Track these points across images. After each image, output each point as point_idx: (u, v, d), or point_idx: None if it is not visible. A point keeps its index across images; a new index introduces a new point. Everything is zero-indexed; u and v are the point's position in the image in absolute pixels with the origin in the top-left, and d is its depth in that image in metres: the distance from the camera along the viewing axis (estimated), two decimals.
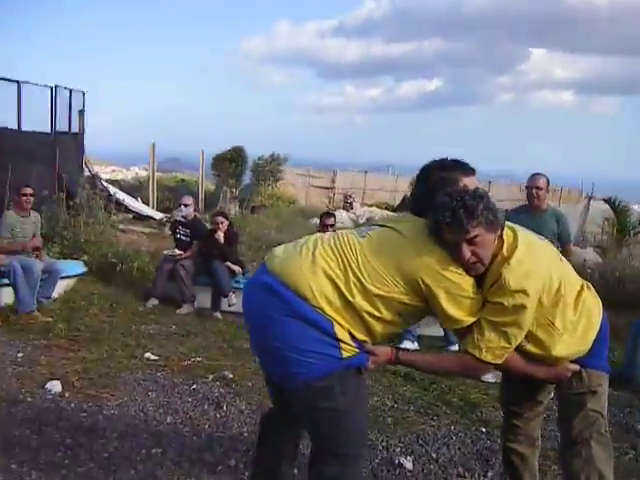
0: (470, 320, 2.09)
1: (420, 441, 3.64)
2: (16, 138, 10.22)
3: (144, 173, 21.81)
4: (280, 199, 18.84)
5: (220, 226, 6.63)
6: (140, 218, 12.99)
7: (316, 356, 2.05)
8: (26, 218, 6.05)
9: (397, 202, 20.56)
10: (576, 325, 2.23)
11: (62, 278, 6.34)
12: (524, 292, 2.03)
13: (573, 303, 2.23)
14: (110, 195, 11.77)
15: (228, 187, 16.26)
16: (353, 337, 2.09)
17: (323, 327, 2.05)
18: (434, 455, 3.48)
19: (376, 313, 2.08)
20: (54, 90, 11.33)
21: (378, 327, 2.12)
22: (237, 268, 6.72)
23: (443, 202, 2.05)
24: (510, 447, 2.65)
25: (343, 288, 2.06)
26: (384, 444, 3.55)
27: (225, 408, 3.96)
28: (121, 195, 13.27)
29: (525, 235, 2.20)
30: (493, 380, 4.29)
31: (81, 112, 12.65)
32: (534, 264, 2.10)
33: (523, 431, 2.61)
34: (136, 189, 16.29)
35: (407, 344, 5.41)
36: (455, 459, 3.46)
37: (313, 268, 2.08)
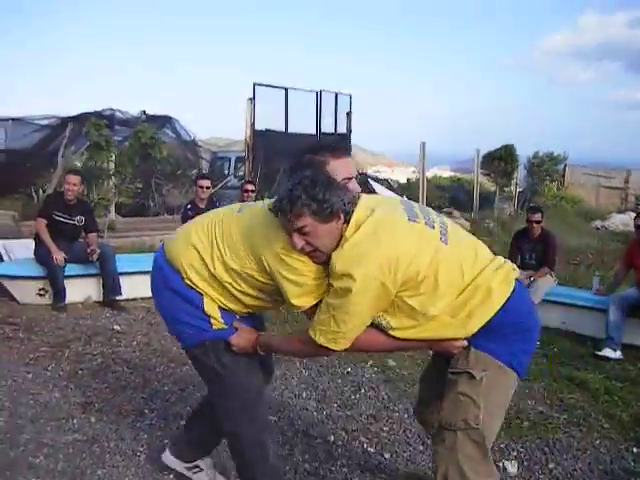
0: (309, 304, 2.03)
1: (545, 449, 3.24)
2: (283, 139, 11.35)
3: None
4: (564, 199, 17.71)
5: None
6: None
7: (188, 327, 2.21)
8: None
9: None
10: (457, 310, 1.99)
11: None
12: (349, 276, 1.88)
13: (454, 288, 1.98)
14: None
15: (498, 186, 15.78)
16: (224, 309, 2.19)
17: (193, 301, 2.17)
18: (551, 465, 3.08)
19: (236, 286, 2.12)
20: (319, 94, 12.29)
21: (245, 299, 2.16)
22: None
23: (283, 190, 1.97)
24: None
25: (207, 260, 2.13)
26: (501, 445, 3.23)
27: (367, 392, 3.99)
28: (388, 193, 13.77)
29: (383, 219, 1.98)
30: None
31: (348, 114, 13.51)
32: (372, 248, 1.91)
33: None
34: (404, 189, 16.70)
35: (608, 352, 4.83)
36: (575, 473, 3.01)
37: (185, 243, 2.19)
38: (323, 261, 1.99)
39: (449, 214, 12.71)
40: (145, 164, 10.35)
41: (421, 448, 3.25)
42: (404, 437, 3.37)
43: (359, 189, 2.17)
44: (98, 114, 9.35)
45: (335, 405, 3.78)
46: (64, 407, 3.54)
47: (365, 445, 3.27)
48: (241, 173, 11.84)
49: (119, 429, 3.30)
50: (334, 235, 1.97)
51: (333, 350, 2.03)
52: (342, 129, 13.29)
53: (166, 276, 2.23)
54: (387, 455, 3.18)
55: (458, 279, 1.99)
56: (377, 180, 15.76)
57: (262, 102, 11.09)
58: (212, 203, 6.51)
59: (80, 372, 4.12)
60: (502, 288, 2.03)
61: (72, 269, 5.72)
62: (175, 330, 2.30)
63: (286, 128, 11.56)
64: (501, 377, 2.07)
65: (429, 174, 21.29)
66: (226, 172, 12.64)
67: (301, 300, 2.04)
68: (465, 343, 2.06)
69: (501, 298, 2.02)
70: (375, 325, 2.05)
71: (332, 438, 3.31)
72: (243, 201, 6.31)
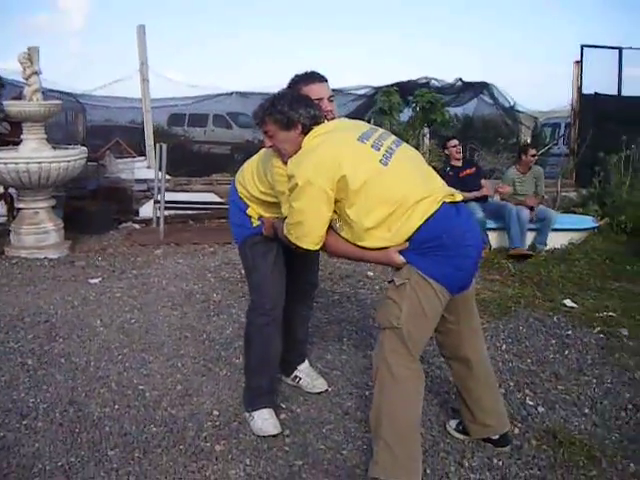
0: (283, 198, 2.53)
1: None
2: (615, 103, 10.49)
3: None
4: None
5: None
6: None
7: (237, 227, 2.97)
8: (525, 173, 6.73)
9: None
10: (390, 225, 2.28)
11: (567, 230, 6.67)
12: (293, 176, 2.32)
13: (386, 205, 2.26)
14: None
15: None
16: (260, 216, 2.86)
17: (240, 207, 2.92)
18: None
19: (268, 198, 2.77)
20: None
21: (269, 210, 2.80)
22: None
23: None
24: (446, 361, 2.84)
25: (251, 181, 2.84)
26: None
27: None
28: None
29: (332, 134, 2.42)
30: None
31: None
32: (311, 153, 2.35)
33: (444, 346, 2.71)
34: None
35: None
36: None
37: (241, 171, 2.97)
38: (285, 162, 2.47)
39: None
40: (469, 130, 10.57)
41: (586, 411, 3.12)
42: (571, 399, 3.25)
43: (332, 108, 2.71)
44: (414, 82, 9.96)
45: (529, 360, 3.75)
46: None
47: (527, 399, 3.25)
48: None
49: None
50: (293, 142, 2.44)
51: (303, 248, 2.44)
52: None
53: (231, 191, 3.01)
54: (541, 409, 3.14)
55: (389, 197, 2.24)
56: None
57: (590, 65, 10.39)
58: (469, 161, 6.73)
59: None
60: (425, 207, 2.26)
61: None
62: (233, 232, 3.03)
63: (619, 91, 10.62)
64: (423, 286, 2.30)
65: None
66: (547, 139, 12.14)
67: (284, 208, 2.48)
68: (403, 260, 2.28)
69: (422, 215, 2.26)
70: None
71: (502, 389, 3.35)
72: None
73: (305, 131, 2.44)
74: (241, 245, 3.00)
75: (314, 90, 2.67)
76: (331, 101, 2.75)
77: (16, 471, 2.60)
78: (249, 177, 2.86)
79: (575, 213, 7.76)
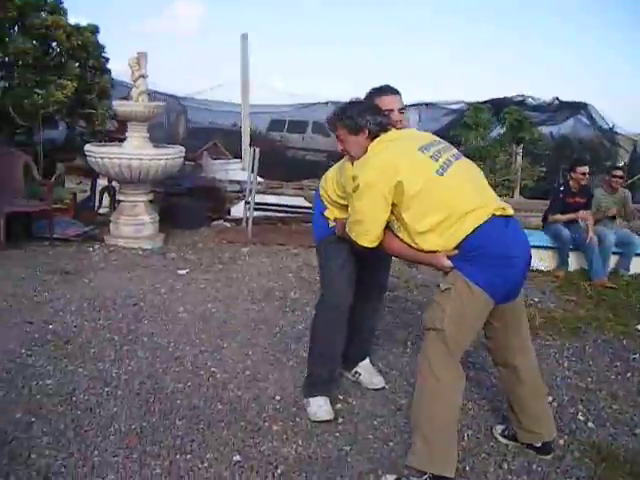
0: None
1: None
2: None
3: None
4: None
5: None
6: None
7: (316, 226, 3.24)
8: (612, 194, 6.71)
9: None
10: (443, 231, 2.44)
11: None
12: (356, 177, 2.55)
13: (439, 212, 2.42)
14: None
15: None
16: (336, 218, 3.05)
17: (320, 209, 3.17)
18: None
19: (343, 201, 2.96)
20: None
21: (347, 212, 2.86)
22: None
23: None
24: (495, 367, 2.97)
25: (331, 186, 3.07)
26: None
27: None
28: None
29: (396, 143, 2.62)
30: None
31: None
32: (374, 157, 2.57)
33: (494, 352, 2.84)
34: None
35: None
36: None
37: (324, 178, 3.18)
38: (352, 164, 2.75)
39: None
40: (565, 150, 10.39)
41: (637, 432, 3.14)
42: (624, 418, 3.28)
43: (401, 118, 2.94)
44: (509, 100, 9.91)
45: (589, 379, 3.78)
46: None
47: (579, 414, 3.31)
48: None
49: None
50: (361, 146, 2.68)
51: (362, 245, 2.65)
52: None
53: (315, 195, 3.28)
54: (591, 424, 3.19)
55: (443, 204, 2.40)
56: None
57: None
58: (586, 190, 6.56)
59: None
60: (476, 217, 2.41)
61: None
62: (313, 231, 3.31)
63: None
64: (466, 292, 2.41)
65: None
66: None
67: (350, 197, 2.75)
68: (451, 265, 2.42)
69: (472, 225, 2.37)
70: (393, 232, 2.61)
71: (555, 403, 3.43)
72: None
73: (372, 137, 2.66)
74: (318, 244, 3.23)
75: (385, 101, 2.90)
76: (402, 113, 2.98)
77: (96, 429, 2.92)
78: (330, 181, 3.08)
79: None
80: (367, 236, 2.61)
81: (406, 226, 2.51)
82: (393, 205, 2.51)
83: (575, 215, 6.43)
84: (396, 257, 2.91)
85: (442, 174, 2.48)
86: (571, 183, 6.52)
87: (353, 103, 2.81)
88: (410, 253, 2.58)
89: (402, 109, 2.99)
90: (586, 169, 6.48)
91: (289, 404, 3.26)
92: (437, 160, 2.52)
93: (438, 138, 2.76)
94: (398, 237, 2.59)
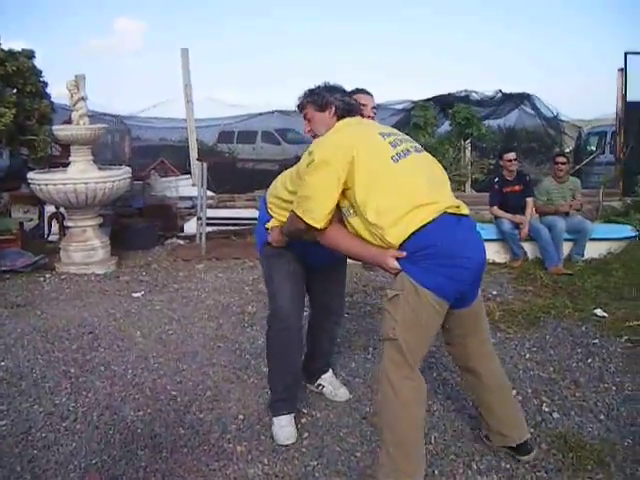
0: None
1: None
2: None
3: None
4: None
5: None
6: None
7: (263, 236, 3.06)
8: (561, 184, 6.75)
9: None
10: (396, 220, 2.32)
11: (606, 240, 6.64)
12: (311, 153, 2.48)
13: (389, 199, 2.34)
14: None
15: None
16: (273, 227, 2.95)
17: (264, 220, 3.07)
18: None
19: (285, 206, 2.85)
20: None
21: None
22: None
23: None
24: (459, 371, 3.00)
25: (282, 186, 2.92)
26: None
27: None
28: None
29: (358, 125, 2.63)
30: None
31: None
32: (332, 135, 2.57)
33: (456, 358, 2.81)
34: None
35: None
36: None
37: (273, 185, 3.06)
38: None
39: None
40: (512, 141, 10.51)
41: (601, 418, 3.16)
42: (587, 406, 3.30)
43: (373, 116, 2.97)
44: (453, 96, 10.01)
45: (551, 368, 3.80)
46: None
47: (543, 405, 3.32)
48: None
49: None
50: (326, 125, 2.66)
51: (307, 224, 2.48)
52: None
53: (260, 205, 3.21)
54: (556, 415, 3.20)
55: (393, 192, 2.34)
56: None
57: (635, 72, 10.26)
58: (521, 176, 6.65)
59: None
60: (424, 214, 2.30)
61: None
62: (257, 241, 3.22)
63: None
64: (415, 296, 2.31)
65: None
66: (593, 148, 11.96)
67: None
68: (398, 267, 2.34)
69: (420, 222, 2.27)
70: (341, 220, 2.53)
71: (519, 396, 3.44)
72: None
73: (338, 116, 2.67)
74: (260, 255, 3.19)
75: (361, 98, 2.95)
76: (374, 112, 3.04)
77: (54, 467, 2.81)
78: (280, 183, 2.97)
79: (617, 222, 7.68)
80: (314, 213, 2.45)
81: (359, 210, 2.39)
82: (347, 188, 2.41)
83: (512, 217, 6.56)
84: (345, 255, 2.71)
85: (397, 161, 2.42)
86: (504, 173, 6.65)
87: (322, 84, 2.82)
88: (357, 247, 2.47)
89: (374, 108, 3.07)
90: (512, 155, 6.63)
91: (253, 422, 3.19)
92: (395, 147, 2.47)
93: (402, 133, 2.69)
94: (349, 226, 2.48)
